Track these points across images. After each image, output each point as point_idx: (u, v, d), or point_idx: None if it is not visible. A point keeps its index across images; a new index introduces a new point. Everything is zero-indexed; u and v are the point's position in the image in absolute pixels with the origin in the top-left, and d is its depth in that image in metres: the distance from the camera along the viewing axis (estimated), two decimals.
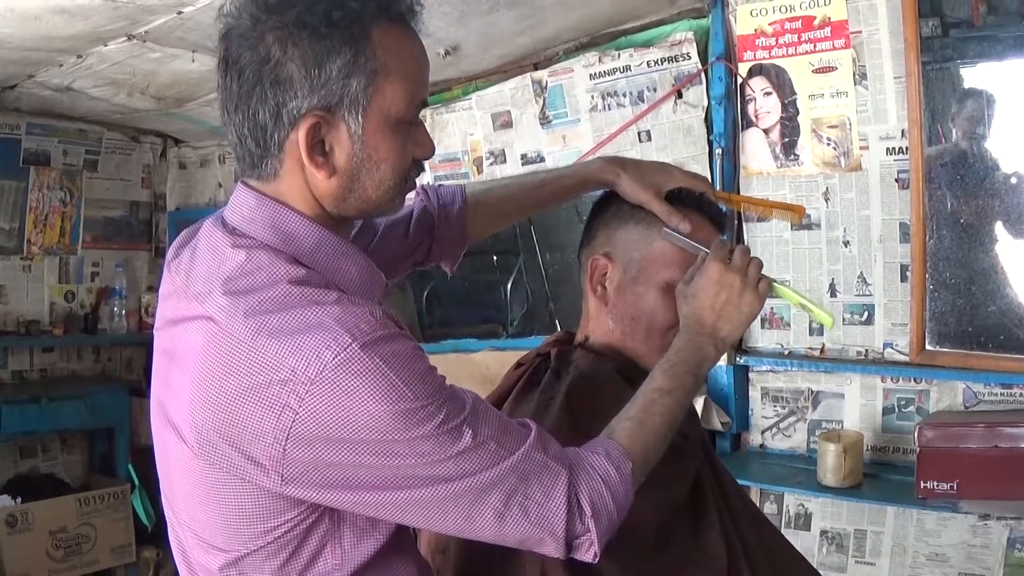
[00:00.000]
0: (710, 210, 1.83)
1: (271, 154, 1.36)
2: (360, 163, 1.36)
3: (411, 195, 1.58)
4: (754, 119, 3.25)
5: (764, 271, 1.66)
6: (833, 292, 3.14)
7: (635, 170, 1.85)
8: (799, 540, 3.08)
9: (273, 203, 1.38)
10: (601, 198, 1.89)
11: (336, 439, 1.25)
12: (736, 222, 3.30)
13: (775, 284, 1.67)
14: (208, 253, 1.39)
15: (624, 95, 3.53)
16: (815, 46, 3.07)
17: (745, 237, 3.30)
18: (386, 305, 1.40)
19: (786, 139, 3.18)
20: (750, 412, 3.38)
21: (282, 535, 1.33)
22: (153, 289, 5.37)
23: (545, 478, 1.34)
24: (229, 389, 1.27)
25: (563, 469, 1.35)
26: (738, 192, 3.25)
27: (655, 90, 3.45)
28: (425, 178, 4.16)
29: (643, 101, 3.49)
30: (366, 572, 1.38)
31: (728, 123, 3.30)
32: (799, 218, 2.14)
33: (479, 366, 3.96)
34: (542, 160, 3.82)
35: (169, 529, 1.51)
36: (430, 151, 1.46)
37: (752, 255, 1.64)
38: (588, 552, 1.38)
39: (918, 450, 2.71)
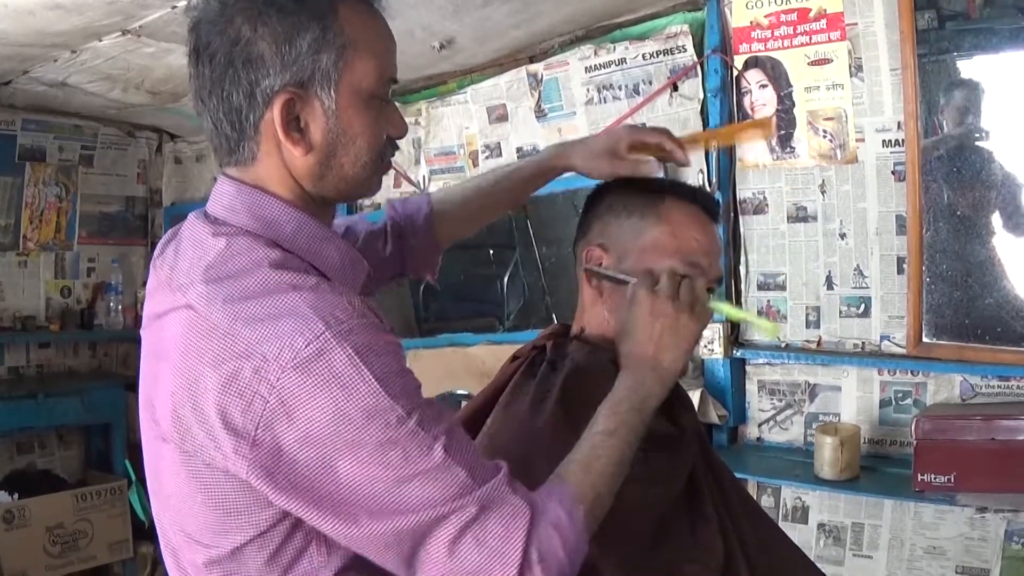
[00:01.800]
0: (704, 200, 1.83)
1: (247, 136, 1.38)
2: (336, 138, 1.38)
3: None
4: (750, 112, 3.25)
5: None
6: (830, 285, 3.14)
7: (583, 147, 1.90)
8: (796, 533, 3.08)
9: (252, 190, 1.40)
10: (594, 191, 1.89)
11: (303, 432, 1.23)
12: (732, 214, 3.30)
13: (712, 302, 1.63)
14: (190, 245, 1.39)
15: (620, 88, 3.53)
16: (811, 38, 3.07)
17: (741, 230, 3.30)
18: (379, 298, 1.39)
19: (782, 131, 3.17)
20: (747, 405, 3.38)
21: (265, 530, 1.31)
22: None
23: (506, 512, 1.27)
24: (205, 376, 1.26)
25: (528, 509, 1.29)
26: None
27: (651, 83, 3.45)
28: (421, 172, 4.18)
29: (639, 94, 3.49)
30: (353, 570, 1.35)
31: (724, 116, 3.29)
32: (769, 130, 2.01)
33: (475, 360, 3.96)
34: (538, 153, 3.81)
35: (158, 530, 1.49)
36: (403, 129, 1.49)
37: (684, 275, 1.60)
38: None
39: (915, 443, 2.71)
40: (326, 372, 1.22)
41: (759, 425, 3.35)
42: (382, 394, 1.23)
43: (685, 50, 3.36)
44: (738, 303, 3.33)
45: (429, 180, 4.23)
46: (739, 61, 3.24)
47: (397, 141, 1.50)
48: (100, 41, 3.45)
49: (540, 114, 3.80)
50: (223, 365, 1.25)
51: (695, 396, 3.15)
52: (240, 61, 1.33)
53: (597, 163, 1.86)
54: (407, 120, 3.99)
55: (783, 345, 3.25)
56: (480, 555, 1.25)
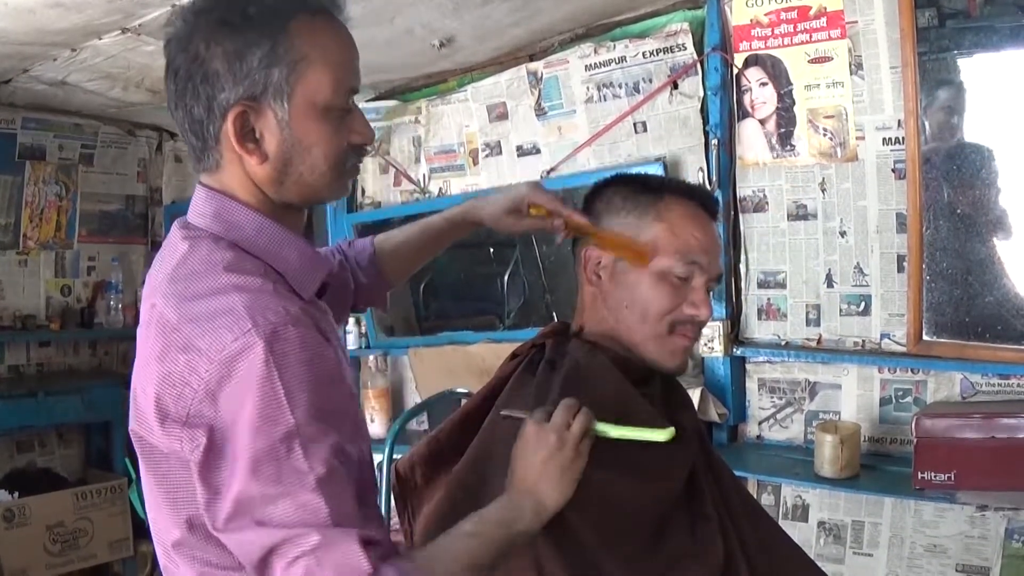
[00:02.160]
0: (703, 198, 1.83)
1: (210, 146, 1.48)
2: (290, 148, 1.45)
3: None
4: (750, 110, 3.25)
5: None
6: (830, 283, 3.13)
7: (491, 204, 2.02)
8: (796, 531, 3.08)
9: (219, 196, 1.49)
10: (592, 190, 1.90)
11: (221, 424, 1.31)
12: (732, 212, 3.30)
13: (607, 433, 1.59)
14: (166, 248, 1.51)
15: (620, 86, 3.53)
16: (811, 36, 3.07)
17: (741, 228, 3.30)
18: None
19: (782, 129, 3.17)
20: (747, 403, 3.38)
21: None
22: None
23: (345, 562, 1.28)
24: (152, 368, 1.38)
25: (368, 567, 1.28)
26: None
27: (651, 81, 3.45)
28: (421, 170, 4.19)
29: (639, 92, 3.48)
30: None
31: (724, 114, 3.29)
32: (646, 262, 2.00)
33: (475, 358, 3.96)
34: (538, 152, 3.82)
35: (151, 524, 1.55)
36: (368, 137, 1.54)
37: (579, 410, 1.56)
38: None
39: (915, 441, 2.71)
40: (243, 370, 1.30)
41: (759, 423, 3.35)
42: (283, 405, 1.30)
43: (685, 48, 3.35)
44: (738, 301, 3.34)
45: (429, 178, 4.23)
46: (739, 59, 3.24)
47: (365, 147, 1.57)
48: (100, 40, 3.45)
49: (540, 112, 3.79)
50: (166, 357, 1.36)
51: (695, 394, 3.16)
52: (199, 77, 1.42)
53: (503, 220, 1.99)
54: (407, 118, 3.99)
55: (783, 343, 3.26)
56: None
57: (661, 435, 1.59)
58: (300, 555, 1.28)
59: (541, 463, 1.52)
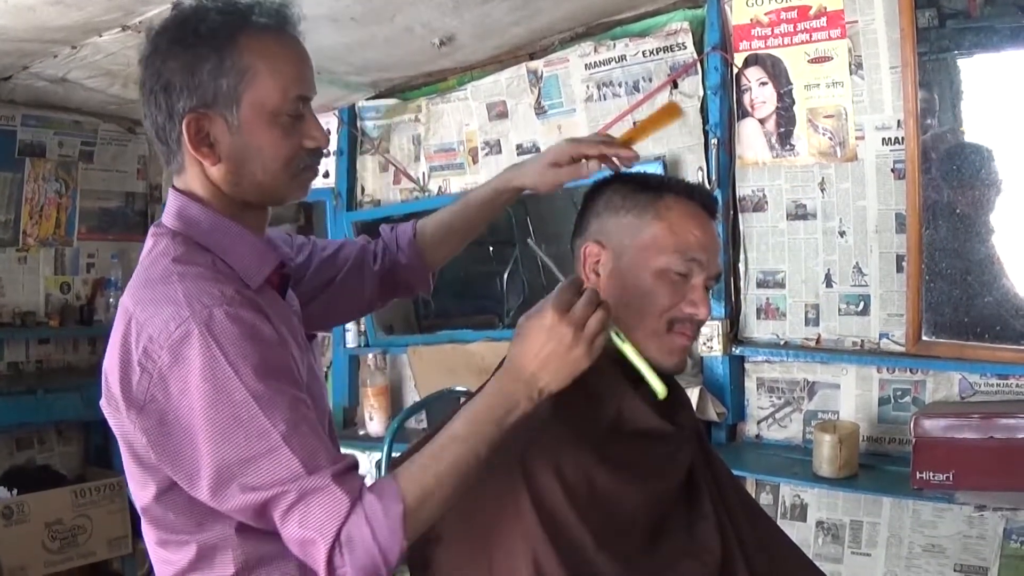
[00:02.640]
0: (702, 197, 1.83)
1: (173, 150, 1.63)
2: (241, 150, 1.60)
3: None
4: (750, 109, 3.25)
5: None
6: (829, 282, 3.14)
7: (531, 165, 2.05)
8: (795, 531, 3.09)
9: (182, 196, 1.65)
10: (591, 188, 1.89)
11: (174, 406, 1.45)
12: (731, 212, 3.30)
13: (616, 340, 1.57)
14: (143, 247, 1.66)
15: (619, 85, 3.53)
16: (811, 36, 3.07)
17: (740, 227, 3.30)
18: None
19: (782, 129, 3.17)
20: (746, 403, 3.38)
21: (173, 483, 1.53)
22: None
23: (328, 502, 1.42)
24: (119, 356, 1.51)
25: (347, 499, 1.43)
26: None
27: (651, 80, 3.45)
28: (421, 168, 4.19)
29: (638, 91, 3.49)
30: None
31: (724, 113, 3.30)
32: (678, 112, 2.10)
33: (475, 357, 3.96)
34: (537, 150, 3.80)
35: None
36: (321, 141, 1.66)
37: (599, 305, 1.52)
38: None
39: (914, 441, 2.71)
40: (188, 354, 1.43)
41: (758, 423, 3.35)
42: (231, 376, 1.43)
43: (685, 47, 3.36)
44: (737, 300, 3.34)
45: (429, 177, 4.23)
46: (739, 58, 3.24)
47: (320, 150, 1.69)
48: (100, 37, 3.45)
49: (540, 111, 3.80)
50: (124, 342, 1.51)
51: (694, 394, 3.16)
52: (159, 88, 1.59)
53: (543, 177, 2.00)
54: (406, 117, 4.00)
55: (782, 343, 3.26)
56: (302, 532, 1.42)
57: (659, 388, 1.57)
58: (288, 508, 1.42)
59: (547, 355, 1.49)
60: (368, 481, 1.48)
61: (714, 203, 1.86)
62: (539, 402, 1.52)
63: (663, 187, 1.81)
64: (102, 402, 1.60)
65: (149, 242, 1.63)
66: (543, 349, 1.49)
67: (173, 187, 1.67)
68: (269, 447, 1.42)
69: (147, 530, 1.64)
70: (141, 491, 1.59)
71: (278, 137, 1.60)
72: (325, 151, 1.70)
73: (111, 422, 1.59)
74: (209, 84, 1.56)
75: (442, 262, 2.25)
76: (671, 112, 2.16)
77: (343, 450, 1.63)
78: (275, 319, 1.57)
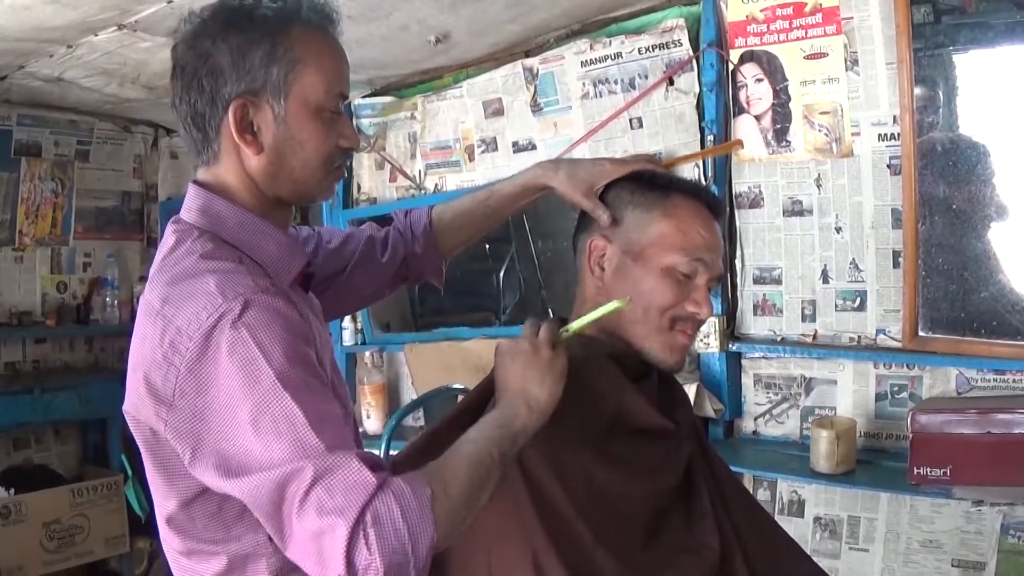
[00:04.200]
0: (707, 197, 1.84)
1: (210, 138, 1.60)
2: (284, 142, 1.58)
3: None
4: (746, 106, 3.25)
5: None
6: (825, 278, 3.14)
7: (567, 170, 1.97)
8: (792, 527, 3.09)
9: (206, 192, 1.61)
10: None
11: (206, 396, 1.41)
12: (728, 208, 3.30)
13: (565, 334, 1.67)
14: (161, 244, 1.62)
15: (615, 82, 3.53)
16: (807, 32, 3.07)
17: (737, 224, 3.30)
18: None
19: (778, 125, 3.18)
20: (743, 399, 3.38)
21: (205, 489, 1.49)
22: (145, 279, 5.34)
23: (351, 479, 1.33)
24: (139, 350, 1.51)
25: (373, 478, 1.33)
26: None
27: (646, 77, 3.45)
28: (417, 166, 4.19)
29: (634, 88, 3.49)
30: None
31: (720, 110, 3.30)
32: (740, 147, 2.18)
33: (471, 354, 3.96)
34: (534, 148, 3.82)
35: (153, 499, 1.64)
36: (355, 142, 1.68)
37: (538, 326, 1.63)
38: (370, 570, 1.31)
39: (911, 436, 2.72)
40: (219, 340, 1.40)
41: (755, 419, 3.36)
42: (261, 362, 1.38)
43: (681, 44, 3.36)
44: (734, 296, 3.35)
45: (425, 174, 4.23)
46: (735, 55, 3.24)
47: (352, 152, 1.70)
48: (96, 36, 3.44)
49: (536, 108, 3.79)
50: (150, 339, 1.47)
51: (691, 389, 3.16)
52: (204, 71, 1.56)
53: (572, 194, 1.92)
54: (402, 114, 4.00)
55: (779, 339, 3.26)
56: (320, 521, 1.31)
57: (617, 304, 1.63)
58: (308, 489, 1.32)
59: (521, 370, 1.58)
60: None
61: (719, 204, 1.88)
62: (536, 412, 1.55)
63: (670, 186, 1.82)
64: (125, 407, 1.56)
65: (171, 239, 1.58)
66: (516, 367, 1.60)
67: (195, 181, 1.64)
68: (293, 428, 1.36)
69: (171, 540, 1.59)
70: (166, 500, 1.55)
71: (320, 132, 1.60)
72: (352, 153, 1.70)
73: (134, 428, 1.55)
74: (260, 71, 1.55)
75: (455, 251, 2.23)
76: (733, 145, 2.17)
77: None
78: (306, 315, 1.58)
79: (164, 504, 1.56)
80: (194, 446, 1.42)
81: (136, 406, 1.52)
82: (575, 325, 1.68)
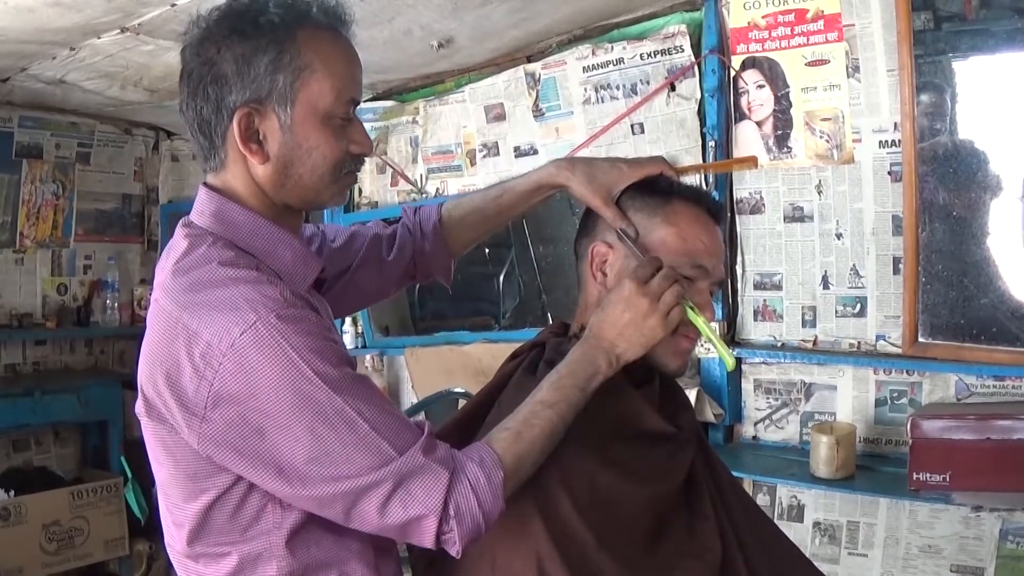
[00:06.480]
0: (708, 203, 1.84)
1: (216, 145, 1.58)
2: (291, 150, 1.55)
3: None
4: (747, 112, 3.26)
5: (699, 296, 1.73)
6: (826, 284, 3.15)
7: (585, 172, 1.89)
8: (792, 532, 3.09)
9: (220, 197, 1.59)
10: None
11: (244, 409, 1.39)
12: (729, 214, 3.30)
13: (689, 313, 1.68)
14: (170, 247, 1.59)
15: (617, 88, 3.54)
16: (808, 39, 3.08)
17: (738, 229, 3.31)
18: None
19: (779, 132, 3.18)
20: (743, 404, 3.39)
21: (224, 492, 1.49)
22: (145, 282, 5.38)
23: (428, 479, 1.42)
24: (161, 359, 1.46)
25: (445, 472, 1.44)
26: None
27: (648, 83, 3.46)
28: (419, 170, 4.19)
29: (636, 94, 3.49)
30: (308, 527, 1.52)
31: (721, 116, 3.30)
32: (756, 165, 2.20)
33: (472, 358, 3.96)
34: (535, 152, 3.83)
35: (161, 511, 1.64)
36: (366, 147, 1.63)
37: (675, 281, 1.65)
38: (452, 549, 1.45)
39: (911, 442, 2.72)
40: (258, 354, 1.39)
41: (755, 424, 3.36)
42: (310, 374, 1.40)
43: (683, 50, 3.36)
44: (735, 302, 3.35)
45: (426, 179, 4.24)
46: (736, 61, 3.25)
47: (363, 156, 1.66)
48: (99, 39, 3.45)
49: (538, 113, 3.80)
50: (170, 347, 1.44)
51: (691, 394, 3.17)
52: (209, 79, 1.53)
53: (590, 198, 1.85)
54: (404, 119, 4.00)
55: (779, 344, 3.27)
56: (406, 513, 1.41)
57: (730, 360, 1.75)
58: (387, 497, 1.40)
59: (624, 324, 1.63)
60: None
61: (720, 210, 1.87)
62: (616, 368, 1.63)
63: (671, 192, 1.82)
64: (139, 410, 1.54)
65: (183, 243, 1.55)
66: (621, 318, 1.63)
67: (206, 184, 1.62)
68: (354, 432, 1.40)
69: (178, 542, 1.57)
70: (186, 503, 1.52)
71: (329, 139, 1.56)
72: (366, 158, 1.68)
73: (149, 432, 1.54)
74: (265, 79, 1.51)
75: (466, 250, 2.18)
76: (748, 162, 2.18)
77: None
78: (326, 320, 1.60)
79: (181, 507, 1.54)
80: (244, 455, 1.43)
81: (155, 411, 1.50)
82: (695, 318, 1.69)
